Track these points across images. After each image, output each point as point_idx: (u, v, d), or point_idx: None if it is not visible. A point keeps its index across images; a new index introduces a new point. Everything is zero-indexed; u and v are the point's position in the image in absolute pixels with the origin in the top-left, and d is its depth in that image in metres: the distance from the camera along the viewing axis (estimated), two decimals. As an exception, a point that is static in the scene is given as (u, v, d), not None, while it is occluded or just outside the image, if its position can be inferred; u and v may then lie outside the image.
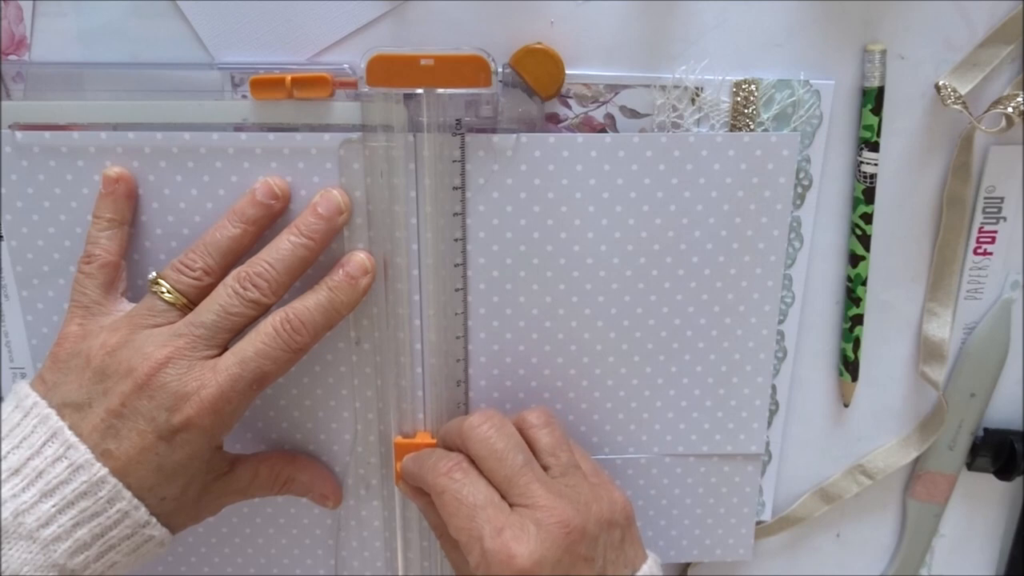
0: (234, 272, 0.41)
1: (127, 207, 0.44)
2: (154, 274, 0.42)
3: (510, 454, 0.42)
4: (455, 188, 0.44)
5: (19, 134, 0.43)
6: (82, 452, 0.39)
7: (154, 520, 0.40)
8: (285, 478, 0.47)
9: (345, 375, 0.47)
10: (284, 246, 0.42)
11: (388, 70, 0.42)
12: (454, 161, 0.44)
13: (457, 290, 0.46)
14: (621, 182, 0.44)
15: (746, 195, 0.45)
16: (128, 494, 0.39)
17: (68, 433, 0.39)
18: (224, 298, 0.41)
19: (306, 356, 0.43)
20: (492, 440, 0.42)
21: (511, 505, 0.41)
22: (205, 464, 0.42)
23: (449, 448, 0.45)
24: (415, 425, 0.48)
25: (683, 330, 0.47)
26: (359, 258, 0.44)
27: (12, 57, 0.44)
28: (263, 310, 0.41)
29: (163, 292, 0.41)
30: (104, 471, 0.39)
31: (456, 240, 0.45)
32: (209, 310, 0.41)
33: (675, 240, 0.46)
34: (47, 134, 0.43)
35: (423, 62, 0.42)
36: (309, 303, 0.42)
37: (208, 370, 0.40)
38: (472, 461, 0.43)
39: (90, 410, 0.40)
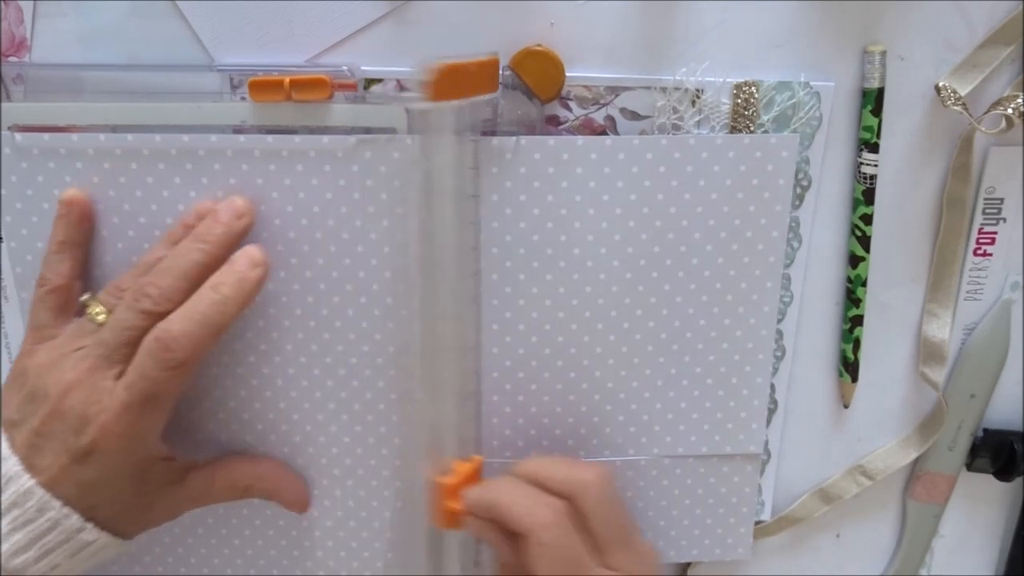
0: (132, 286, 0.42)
1: (79, 230, 0.44)
2: (86, 296, 0.42)
3: (621, 519, 0.43)
4: (473, 196, 0.44)
5: (19, 136, 0.43)
6: (12, 464, 0.40)
7: (90, 526, 0.41)
8: (244, 485, 0.47)
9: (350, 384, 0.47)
10: (179, 252, 0.41)
11: (454, 81, 0.40)
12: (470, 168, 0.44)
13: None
14: (621, 184, 0.44)
15: (745, 197, 0.45)
16: (57, 503, 0.40)
17: (5, 446, 0.40)
18: (119, 313, 0.41)
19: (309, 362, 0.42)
20: (614, 501, 0.43)
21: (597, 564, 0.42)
22: (136, 477, 0.42)
23: (528, 478, 0.45)
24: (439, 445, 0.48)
25: (683, 332, 0.47)
26: (248, 251, 0.42)
27: (12, 59, 0.44)
28: (159, 319, 0.40)
29: (96, 314, 0.41)
30: (32, 483, 0.40)
31: (472, 249, 0.45)
32: (108, 327, 0.41)
33: (675, 242, 0.46)
34: (46, 136, 0.43)
35: (473, 70, 0.41)
36: (184, 314, 0.40)
37: (106, 394, 0.40)
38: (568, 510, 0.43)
39: (23, 426, 0.41)
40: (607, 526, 0.42)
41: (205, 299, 0.40)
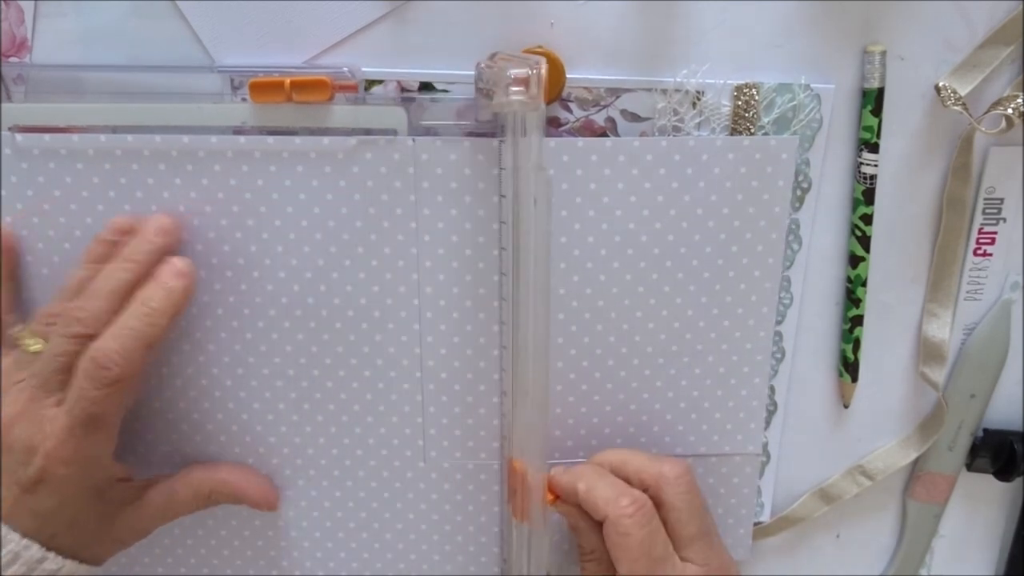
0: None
1: (7, 261, 0.44)
2: (18, 328, 0.42)
3: (702, 513, 0.44)
4: (503, 196, 0.44)
5: (19, 136, 0.43)
6: None
7: (52, 555, 0.41)
8: (207, 492, 0.47)
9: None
10: (107, 273, 0.41)
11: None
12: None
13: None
14: (621, 186, 0.44)
15: (745, 198, 0.45)
16: (16, 536, 0.40)
17: None
18: (52, 341, 0.41)
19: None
20: (694, 495, 0.44)
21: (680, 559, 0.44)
22: (93, 500, 0.42)
23: (609, 468, 0.46)
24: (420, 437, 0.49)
25: (682, 333, 0.47)
26: (172, 262, 0.42)
27: (13, 59, 0.43)
28: (92, 341, 0.40)
29: (29, 345, 0.41)
30: None
31: (503, 249, 0.45)
32: (41, 357, 0.41)
33: (674, 244, 0.46)
34: (47, 136, 0.43)
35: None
36: (116, 331, 0.40)
37: (47, 421, 0.40)
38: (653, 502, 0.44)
39: None
40: (686, 518, 0.43)
41: (135, 313, 0.40)
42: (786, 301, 0.49)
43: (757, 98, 0.44)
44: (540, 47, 0.43)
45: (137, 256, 0.42)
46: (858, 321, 0.49)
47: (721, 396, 0.49)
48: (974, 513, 0.56)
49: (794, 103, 0.45)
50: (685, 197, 0.45)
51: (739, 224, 0.45)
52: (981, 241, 0.49)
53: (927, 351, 0.51)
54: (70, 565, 0.42)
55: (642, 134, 0.45)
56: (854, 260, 0.48)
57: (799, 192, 0.47)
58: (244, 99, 0.43)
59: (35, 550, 0.40)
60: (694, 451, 0.50)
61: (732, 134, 0.45)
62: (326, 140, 0.43)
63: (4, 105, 0.43)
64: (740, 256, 0.46)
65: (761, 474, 0.52)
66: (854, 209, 0.47)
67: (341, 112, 0.43)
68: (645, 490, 0.44)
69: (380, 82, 0.44)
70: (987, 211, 0.49)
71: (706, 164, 0.44)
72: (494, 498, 0.50)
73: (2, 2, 0.42)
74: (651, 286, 0.46)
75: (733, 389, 0.49)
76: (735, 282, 0.47)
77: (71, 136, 0.43)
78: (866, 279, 0.48)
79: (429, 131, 0.44)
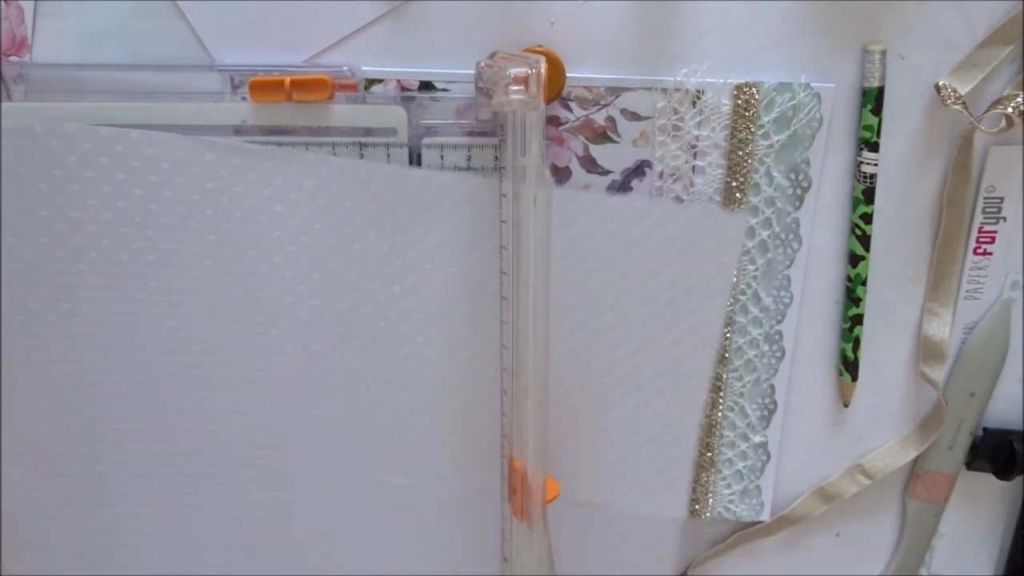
0: None
1: None
2: None
3: None
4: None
5: (18, 133, 0.43)
6: None
7: None
8: None
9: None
10: None
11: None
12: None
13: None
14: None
15: (689, 265, 0.46)
16: None
17: None
18: None
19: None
20: None
21: None
22: None
23: None
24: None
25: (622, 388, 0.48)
26: None
27: (13, 58, 0.43)
28: None
29: None
30: None
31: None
32: None
33: (621, 299, 0.46)
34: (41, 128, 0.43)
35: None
36: None
37: None
38: None
39: None
40: None
41: None
42: (786, 300, 0.49)
43: (757, 97, 0.44)
44: (540, 46, 0.43)
45: None
46: (858, 320, 0.49)
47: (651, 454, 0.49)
48: (974, 512, 0.56)
49: (794, 102, 0.45)
50: (634, 255, 0.45)
51: (683, 288, 0.46)
52: (981, 240, 0.49)
53: (927, 350, 0.51)
54: None
55: (642, 133, 0.45)
56: (854, 259, 0.48)
57: (799, 191, 0.47)
58: (244, 98, 0.43)
59: None
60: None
61: (732, 133, 0.45)
62: (326, 139, 0.43)
63: (4, 105, 0.43)
64: (681, 319, 0.47)
65: (761, 473, 0.52)
66: (854, 208, 0.47)
67: (341, 111, 0.43)
68: None
69: (380, 81, 0.44)
70: (987, 210, 0.49)
71: (656, 226, 0.45)
72: (494, 498, 0.50)
73: (2, 2, 0.42)
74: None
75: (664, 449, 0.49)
76: (676, 342, 0.47)
77: (70, 129, 0.43)
78: (866, 278, 0.48)
79: (429, 130, 0.44)
